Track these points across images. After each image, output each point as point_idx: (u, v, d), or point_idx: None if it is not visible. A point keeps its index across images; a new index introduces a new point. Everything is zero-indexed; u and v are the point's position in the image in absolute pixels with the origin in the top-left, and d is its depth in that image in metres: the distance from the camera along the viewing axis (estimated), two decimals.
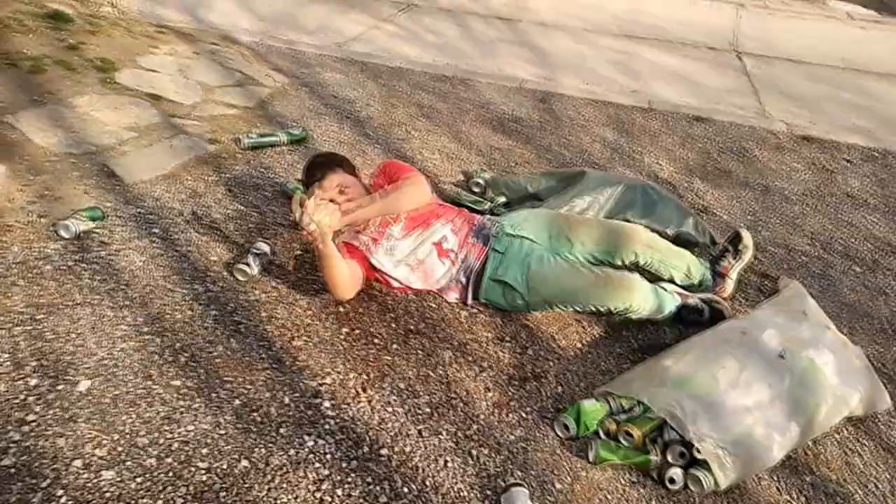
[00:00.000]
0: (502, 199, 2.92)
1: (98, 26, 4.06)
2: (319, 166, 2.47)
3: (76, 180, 2.62)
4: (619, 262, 2.40)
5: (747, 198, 3.39)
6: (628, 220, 2.68)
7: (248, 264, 2.24)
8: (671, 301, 2.31)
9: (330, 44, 4.96)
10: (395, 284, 2.31)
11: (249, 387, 1.85)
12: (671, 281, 2.45)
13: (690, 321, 2.33)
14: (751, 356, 1.95)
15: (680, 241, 2.66)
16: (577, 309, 2.28)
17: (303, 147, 3.20)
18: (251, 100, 3.57)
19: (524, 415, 1.93)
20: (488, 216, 2.61)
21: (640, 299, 2.23)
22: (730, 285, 2.54)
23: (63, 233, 2.27)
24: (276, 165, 2.99)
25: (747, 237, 2.59)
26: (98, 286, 2.12)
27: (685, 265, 2.48)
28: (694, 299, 2.34)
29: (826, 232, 3.17)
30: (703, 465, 1.74)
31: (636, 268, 2.41)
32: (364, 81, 4.18)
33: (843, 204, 3.45)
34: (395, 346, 2.08)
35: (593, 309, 2.26)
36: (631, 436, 1.82)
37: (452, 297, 2.33)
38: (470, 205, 2.87)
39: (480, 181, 3.05)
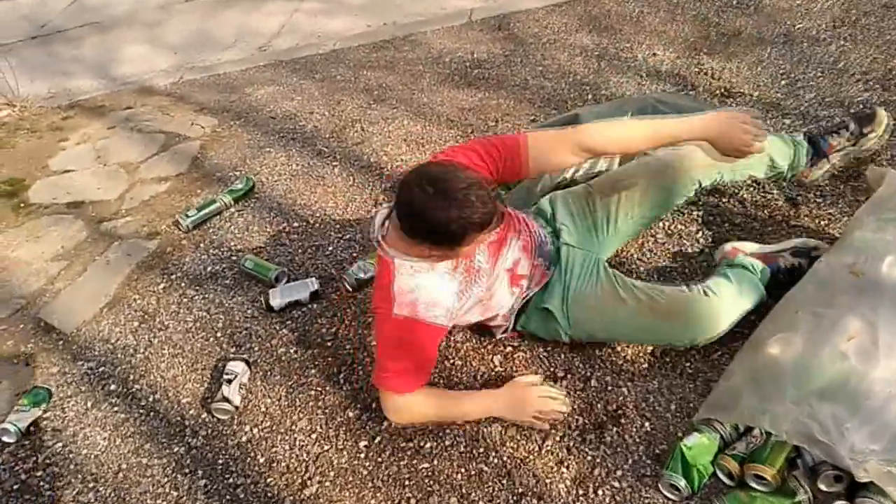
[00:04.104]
0: None
1: None
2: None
3: (11, 350, 2.21)
4: (679, 203, 1.94)
5: (771, 57, 2.80)
6: (649, 154, 2.14)
7: (225, 399, 1.80)
8: (757, 286, 1.67)
9: (253, 51, 4.41)
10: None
11: None
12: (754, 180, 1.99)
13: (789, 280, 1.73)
14: (877, 304, 1.44)
15: None
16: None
17: (252, 199, 2.71)
18: (182, 163, 3.08)
19: (616, 483, 1.47)
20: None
21: (724, 323, 1.60)
22: (821, 171, 2.00)
23: (6, 439, 1.87)
24: (228, 238, 2.51)
25: (883, 116, 1.99)
26: (62, 495, 1.72)
27: (765, 155, 1.93)
28: (785, 258, 1.74)
29: (878, 65, 2.58)
30: (872, 486, 1.28)
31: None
32: (299, 84, 3.64)
33: (885, 19, 2.83)
34: (427, 444, 1.64)
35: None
36: (763, 478, 1.35)
37: (497, 323, 1.80)
38: None
39: None
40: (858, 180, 2.07)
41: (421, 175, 1.46)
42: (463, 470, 1.56)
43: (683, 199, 1.94)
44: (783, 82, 2.63)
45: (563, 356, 1.77)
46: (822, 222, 1.98)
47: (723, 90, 2.67)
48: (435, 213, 1.42)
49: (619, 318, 1.64)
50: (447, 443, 1.63)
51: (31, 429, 1.91)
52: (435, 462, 1.59)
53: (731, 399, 1.46)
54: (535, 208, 1.93)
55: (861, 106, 2.38)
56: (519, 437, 1.61)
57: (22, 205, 2.95)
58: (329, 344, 1.97)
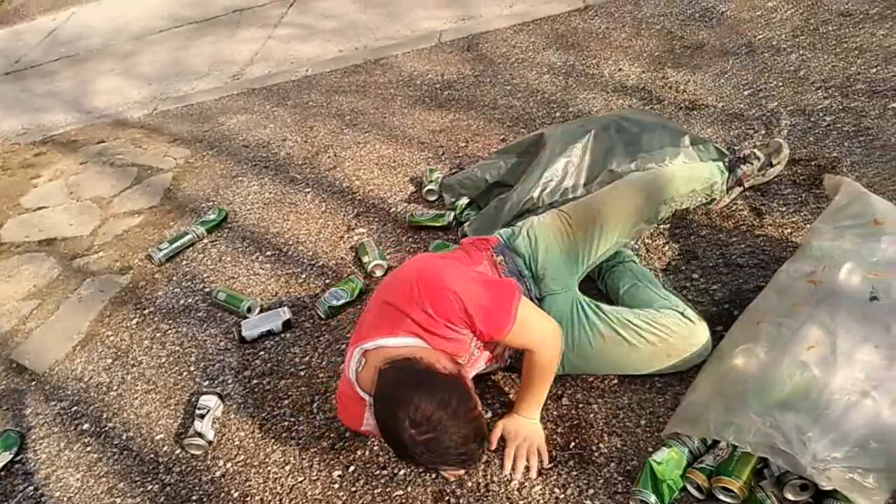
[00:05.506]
0: (464, 201, 2.43)
1: None
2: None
3: None
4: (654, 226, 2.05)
5: (734, 68, 2.84)
6: (613, 172, 2.17)
7: (198, 434, 1.80)
8: None
9: (227, 80, 4.42)
10: None
11: None
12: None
13: None
14: (835, 312, 1.46)
15: None
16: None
17: (225, 229, 2.71)
18: (155, 196, 3.08)
19: (588, 502, 1.48)
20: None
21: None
22: (732, 198, 2.14)
23: None
24: (201, 270, 2.51)
25: (786, 150, 2.16)
26: None
27: (710, 183, 2.07)
28: None
29: (837, 72, 2.62)
30: (837, 493, 1.29)
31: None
32: (272, 112, 3.65)
33: (843, 28, 2.88)
34: (401, 471, 1.63)
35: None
36: (730, 490, 1.36)
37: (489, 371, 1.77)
38: (429, 223, 2.39)
39: (434, 188, 2.55)
40: (821, 188, 2.10)
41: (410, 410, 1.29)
42: (437, 496, 1.56)
43: (658, 223, 1.99)
44: (746, 92, 2.67)
45: None
46: (787, 230, 2.01)
47: (688, 103, 2.70)
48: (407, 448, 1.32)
49: (631, 362, 1.64)
50: (421, 469, 1.62)
51: (2, 473, 1.89)
52: (409, 489, 1.59)
53: (698, 412, 1.47)
54: (507, 241, 1.81)
55: (820, 114, 2.42)
56: (492, 461, 1.61)
57: None
58: (302, 373, 1.97)
